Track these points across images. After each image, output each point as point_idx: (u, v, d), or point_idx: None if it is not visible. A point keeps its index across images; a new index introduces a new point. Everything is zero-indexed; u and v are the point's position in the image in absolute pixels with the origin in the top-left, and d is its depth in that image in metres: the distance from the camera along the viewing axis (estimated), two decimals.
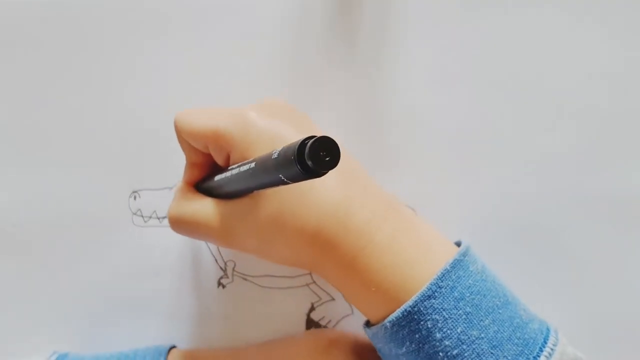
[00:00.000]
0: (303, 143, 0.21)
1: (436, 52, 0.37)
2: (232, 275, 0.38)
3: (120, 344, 0.37)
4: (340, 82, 0.37)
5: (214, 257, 0.38)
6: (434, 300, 0.26)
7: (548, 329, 0.28)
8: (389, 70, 0.37)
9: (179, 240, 0.38)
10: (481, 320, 0.26)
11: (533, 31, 0.37)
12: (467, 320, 0.26)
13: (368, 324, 0.30)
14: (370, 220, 0.28)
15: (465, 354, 0.26)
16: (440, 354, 0.26)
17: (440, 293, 0.26)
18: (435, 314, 0.26)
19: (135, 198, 0.37)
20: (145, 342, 0.37)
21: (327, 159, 0.20)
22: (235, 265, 0.38)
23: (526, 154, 0.37)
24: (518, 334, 0.27)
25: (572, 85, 0.37)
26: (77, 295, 0.37)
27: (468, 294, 0.27)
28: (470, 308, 0.26)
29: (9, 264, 0.37)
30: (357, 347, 0.34)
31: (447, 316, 0.26)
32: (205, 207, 0.30)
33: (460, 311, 0.26)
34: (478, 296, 0.27)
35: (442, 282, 0.27)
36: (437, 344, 0.26)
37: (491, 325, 0.26)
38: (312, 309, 0.38)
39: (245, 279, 0.38)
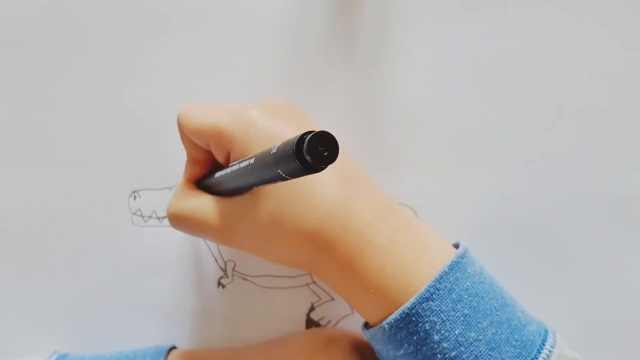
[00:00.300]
0: (301, 138, 0.20)
1: (436, 52, 0.37)
2: (232, 275, 0.38)
3: (120, 344, 0.37)
4: (340, 82, 0.37)
5: (214, 257, 0.38)
6: (432, 303, 0.26)
7: (546, 331, 0.28)
8: (389, 70, 0.37)
9: (179, 240, 0.38)
10: (479, 322, 0.26)
11: (533, 31, 0.37)
12: (465, 322, 0.26)
13: (366, 325, 0.30)
14: (370, 221, 0.28)
15: (463, 356, 0.26)
16: (439, 356, 0.26)
17: (438, 295, 0.26)
18: (433, 316, 0.26)
19: (135, 198, 0.37)
20: (145, 342, 0.37)
21: (326, 154, 0.20)
22: (235, 265, 0.38)
23: (526, 154, 0.37)
24: (516, 336, 0.27)
25: (572, 85, 0.37)
26: (77, 295, 0.38)
27: (466, 296, 0.27)
28: (468, 310, 0.26)
29: (9, 264, 0.38)
30: (356, 345, 0.34)
31: (445, 318, 0.26)
32: (204, 204, 0.30)
33: (458, 313, 0.26)
34: (476, 298, 0.27)
35: (440, 284, 0.26)
36: (435, 346, 0.26)
37: (489, 327, 0.26)
38: (312, 308, 0.38)
39: (245, 279, 0.38)
